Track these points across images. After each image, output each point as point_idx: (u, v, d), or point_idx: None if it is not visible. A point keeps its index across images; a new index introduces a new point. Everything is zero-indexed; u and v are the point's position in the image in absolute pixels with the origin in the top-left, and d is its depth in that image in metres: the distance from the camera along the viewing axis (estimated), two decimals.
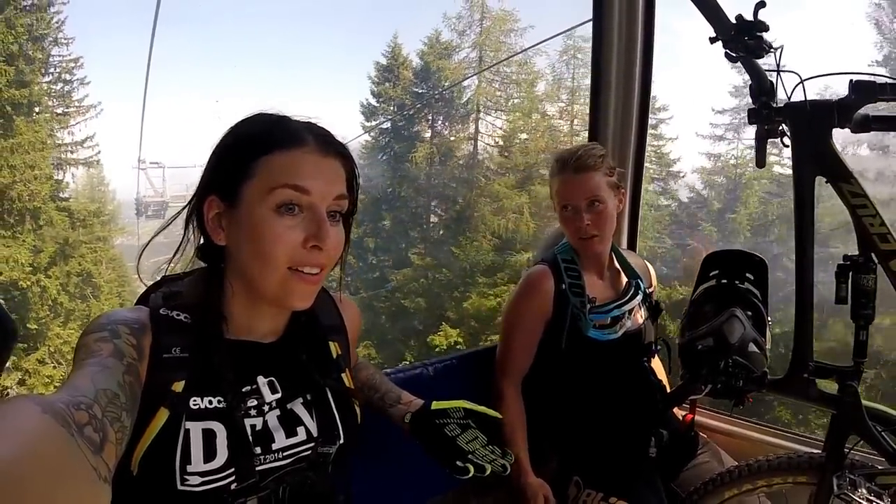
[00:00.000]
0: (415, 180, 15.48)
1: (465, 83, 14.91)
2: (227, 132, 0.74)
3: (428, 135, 16.08)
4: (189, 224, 0.75)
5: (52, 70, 8.90)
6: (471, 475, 0.83)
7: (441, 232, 15.89)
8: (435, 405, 0.92)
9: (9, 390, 7.99)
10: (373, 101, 16.47)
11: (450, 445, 0.86)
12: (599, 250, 1.33)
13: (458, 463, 0.84)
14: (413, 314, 14.25)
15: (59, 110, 8.69)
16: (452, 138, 15.75)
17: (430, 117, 16.22)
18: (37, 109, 7.88)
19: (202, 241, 0.75)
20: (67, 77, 8.94)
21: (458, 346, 13.10)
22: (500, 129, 14.86)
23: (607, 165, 1.31)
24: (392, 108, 16.25)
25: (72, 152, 8.85)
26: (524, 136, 13.88)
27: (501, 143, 14.81)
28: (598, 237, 1.29)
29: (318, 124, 0.76)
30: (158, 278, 0.80)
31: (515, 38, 13.94)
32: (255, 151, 0.70)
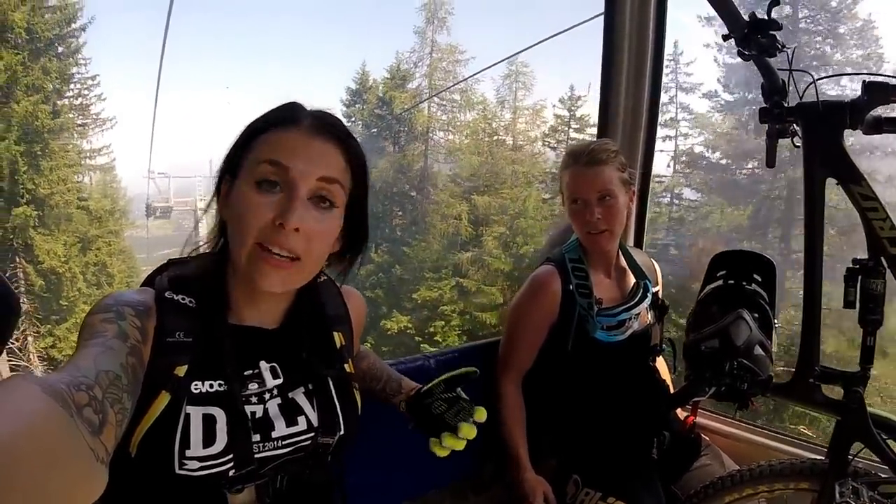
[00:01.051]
0: (379, 190, 17.56)
1: (421, 106, 17.38)
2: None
3: (391, 150, 18.14)
4: (216, 204, 0.76)
5: (72, 86, 11.00)
6: (441, 448, 0.80)
7: (400, 234, 18.16)
8: (425, 388, 0.90)
9: (45, 352, 10.21)
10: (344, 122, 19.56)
11: (438, 424, 0.84)
12: (608, 247, 1.31)
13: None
14: (374, 303, 16.30)
15: (79, 121, 10.77)
16: (409, 154, 17.91)
17: (392, 136, 18.29)
18: (65, 135, 10.17)
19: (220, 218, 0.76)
20: (86, 92, 11.10)
21: (407, 330, 15.72)
22: (444, 147, 17.44)
23: (619, 161, 1.30)
24: (360, 126, 18.20)
25: (90, 158, 11.01)
26: (476, 158, 16.20)
27: (446, 159, 17.53)
28: (607, 232, 1.27)
29: (330, 113, 0.76)
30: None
31: (460, 68, 16.69)
32: (255, 132, 0.72)
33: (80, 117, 10.70)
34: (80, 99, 10.88)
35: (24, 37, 8.86)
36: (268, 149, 0.69)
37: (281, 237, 0.68)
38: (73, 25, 10.11)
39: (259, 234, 0.68)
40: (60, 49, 10.28)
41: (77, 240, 10.10)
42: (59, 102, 10.21)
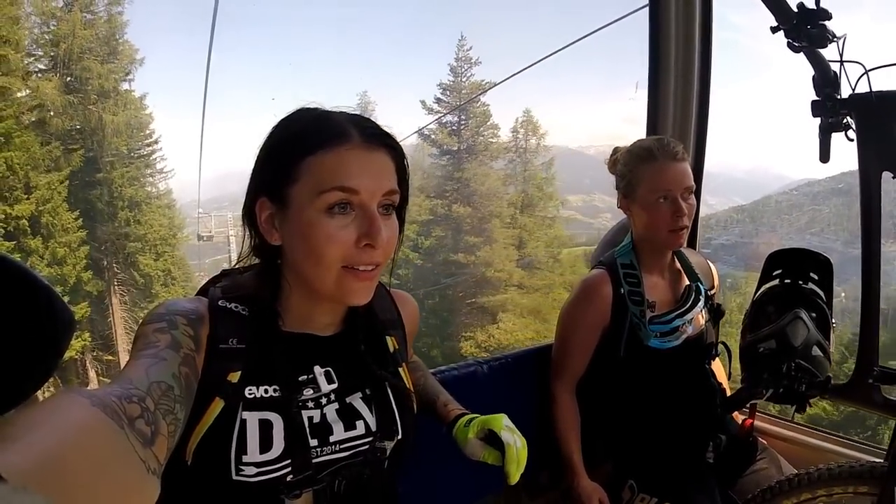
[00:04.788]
0: None
1: None
2: (270, 133, 0.75)
3: None
4: (245, 224, 0.77)
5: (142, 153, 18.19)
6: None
7: None
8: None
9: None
10: None
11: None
12: (682, 243, 1.29)
13: None
14: None
15: (147, 172, 17.84)
16: None
17: None
18: (148, 201, 17.44)
19: (257, 240, 0.77)
20: (150, 151, 18.14)
21: None
22: None
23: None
24: None
25: (157, 199, 17.87)
26: None
27: None
28: (686, 230, 1.25)
29: (363, 115, 0.76)
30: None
31: None
32: (298, 153, 0.70)
33: (147, 169, 17.73)
34: (147, 159, 17.91)
35: (125, 153, 16.81)
36: (329, 173, 0.69)
37: (366, 255, 0.71)
38: (151, 140, 17.94)
39: (344, 258, 0.70)
40: (144, 151, 17.85)
41: (155, 256, 17.19)
42: (142, 179, 17.64)
